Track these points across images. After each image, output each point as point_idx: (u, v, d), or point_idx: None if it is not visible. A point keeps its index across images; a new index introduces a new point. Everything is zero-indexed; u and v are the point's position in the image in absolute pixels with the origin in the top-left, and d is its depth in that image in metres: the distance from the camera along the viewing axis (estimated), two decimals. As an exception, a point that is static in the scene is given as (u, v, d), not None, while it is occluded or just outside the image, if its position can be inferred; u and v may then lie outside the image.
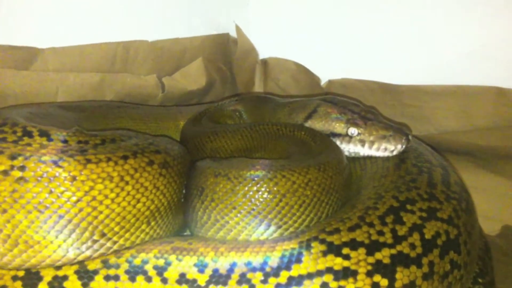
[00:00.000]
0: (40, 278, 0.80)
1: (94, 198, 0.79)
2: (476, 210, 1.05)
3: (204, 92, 1.70)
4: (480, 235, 1.15)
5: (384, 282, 0.78)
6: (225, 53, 1.84)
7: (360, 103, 1.23)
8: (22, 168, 0.77)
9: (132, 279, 0.79)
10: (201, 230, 0.95)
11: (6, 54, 1.29)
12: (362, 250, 0.81)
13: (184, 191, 0.97)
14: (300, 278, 0.77)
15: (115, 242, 0.83)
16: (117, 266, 0.81)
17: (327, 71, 1.78)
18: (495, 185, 1.45)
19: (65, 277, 0.80)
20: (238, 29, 1.83)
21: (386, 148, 1.09)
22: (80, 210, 0.78)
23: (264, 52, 1.88)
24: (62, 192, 0.77)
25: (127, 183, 0.82)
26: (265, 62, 1.85)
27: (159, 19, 1.64)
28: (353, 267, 0.78)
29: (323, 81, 1.79)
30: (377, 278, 0.78)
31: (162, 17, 1.65)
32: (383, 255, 0.81)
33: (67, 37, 1.38)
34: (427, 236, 0.86)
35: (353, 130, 1.12)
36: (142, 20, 1.58)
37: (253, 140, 1.15)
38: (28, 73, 1.31)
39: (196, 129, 1.22)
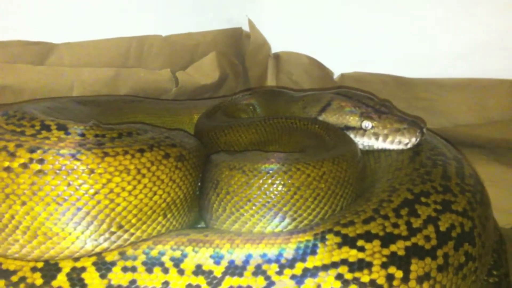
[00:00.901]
0: (58, 270, 0.81)
1: (111, 191, 0.80)
2: (491, 203, 1.05)
3: (217, 86, 1.71)
4: (495, 228, 1.15)
5: (399, 273, 0.78)
6: (238, 48, 1.84)
7: (374, 97, 1.22)
8: (41, 161, 0.78)
9: (149, 270, 0.80)
10: (216, 223, 0.96)
11: (22, 50, 1.30)
12: (377, 242, 0.81)
13: (199, 184, 0.98)
14: (315, 270, 0.78)
15: (132, 234, 0.84)
16: (135, 258, 0.82)
17: (339, 65, 1.77)
18: (509, 178, 1.44)
19: (83, 269, 0.81)
20: (250, 23, 1.83)
21: (400, 141, 1.08)
22: (98, 202, 0.80)
23: (276, 46, 1.87)
24: (80, 185, 0.78)
25: (143, 176, 0.83)
26: (277, 56, 1.85)
27: (172, 14, 1.64)
28: (368, 259, 0.79)
29: (336, 75, 1.79)
30: (392, 269, 0.78)
31: (175, 12, 1.65)
32: (398, 247, 0.81)
33: (81, 32, 1.39)
34: (442, 229, 0.86)
35: (367, 123, 1.12)
36: (155, 15, 1.59)
37: (267, 133, 1.16)
38: (44, 68, 1.32)
39: (210, 123, 1.23)
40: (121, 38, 1.47)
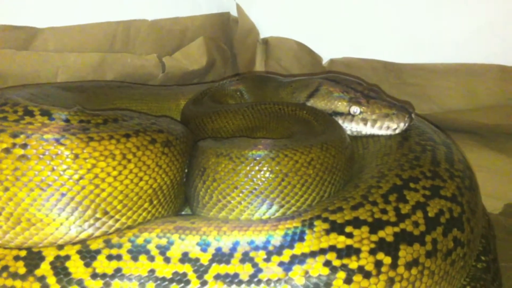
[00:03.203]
0: (42, 258, 0.80)
1: (96, 176, 0.79)
2: (480, 188, 1.05)
3: (205, 71, 1.69)
4: (483, 213, 1.15)
5: (387, 259, 0.78)
6: (226, 33, 1.83)
7: (363, 82, 1.22)
8: (24, 146, 0.76)
9: (135, 258, 0.79)
10: (203, 210, 0.95)
11: (6, 34, 1.29)
12: (365, 228, 0.81)
13: (186, 171, 0.97)
14: (303, 256, 0.77)
15: (117, 220, 0.83)
16: (120, 246, 0.81)
17: (329, 50, 1.76)
18: (498, 164, 1.44)
19: (67, 257, 0.80)
20: (239, 8, 1.81)
21: (388, 127, 1.08)
22: (83, 188, 0.78)
23: (265, 31, 1.86)
24: (64, 170, 0.77)
25: (129, 161, 0.81)
26: (266, 41, 1.83)
27: (160, -2, 1.63)
28: (356, 245, 0.79)
29: (325, 60, 1.78)
30: (380, 256, 0.78)
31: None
32: (387, 233, 0.81)
33: (66, 16, 1.37)
34: (431, 214, 0.86)
35: (355, 109, 1.11)
36: (142, -1, 1.57)
37: (255, 119, 1.14)
38: (28, 53, 1.30)
39: (197, 109, 1.22)
40: (107, 22, 1.45)
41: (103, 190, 0.80)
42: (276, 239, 0.80)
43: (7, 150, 0.76)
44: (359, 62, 1.68)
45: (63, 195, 0.78)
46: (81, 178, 0.78)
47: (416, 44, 1.61)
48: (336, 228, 0.81)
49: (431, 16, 1.58)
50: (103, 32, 1.44)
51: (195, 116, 1.18)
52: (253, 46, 1.82)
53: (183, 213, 1.03)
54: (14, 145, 0.76)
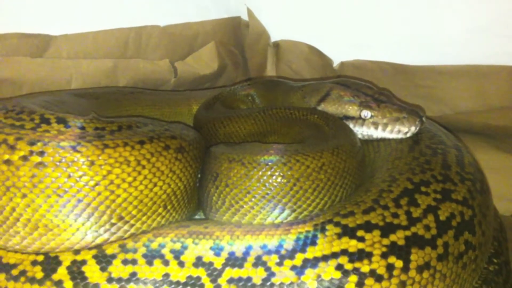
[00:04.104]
0: (59, 263, 0.81)
1: (112, 182, 0.80)
2: (491, 190, 1.05)
3: (217, 76, 1.70)
4: (495, 216, 1.15)
5: (399, 263, 0.79)
6: (237, 37, 1.83)
7: (373, 86, 1.22)
8: (41, 154, 0.78)
9: (150, 263, 0.80)
10: (215, 215, 0.96)
11: (20, 42, 1.30)
12: (376, 232, 0.81)
13: (199, 176, 0.98)
14: (315, 260, 0.78)
15: (132, 225, 0.84)
16: (135, 251, 0.82)
17: (339, 53, 1.76)
18: (510, 165, 1.44)
19: (83, 262, 0.81)
20: (249, 11, 1.82)
21: (399, 130, 1.08)
22: (98, 194, 0.80)
23: (275, 34, 1.87)
24: (80, 177, 0.79)
25: (143, 167, 0.83)
26: (277, 45, 1.84)
27: (170, 3, 1.64)
28: (368, 249, 0.79)
29: (336, 63, 1.78)
30: (392, 259, 0.79)
31: (173, 1, 1.64)
32: (398, 237, 0.81)
33: (79, 24, 1.39)
34: (442, 218, 0.86)
35: (366, 113, 1.11)
36: (153, 5, 1.58)
37: (266, 124, 1.15)
38: (42, 61, 1.32)
39: (209, 115, 1.23)
40: (119, 29, 1.46)
41: (118, 196, 0.81)
42: (289, 243, 0.80)
43: (24, 158, 0.78)
44: (369, 65, 1.68)
45: (79, 201, 0.79)
46: (96, 184, 0.79)
47: (426, 45, 1.60)
48: (348, 232, 0.81)
49: (441, 16, 1.57)
50: (115, 39, 1.46)
51: (207, 121, 1.19)
52: (264, 50, 1.83)
53: (196, 217, 1.04)
54: (31, 152, 0.78)
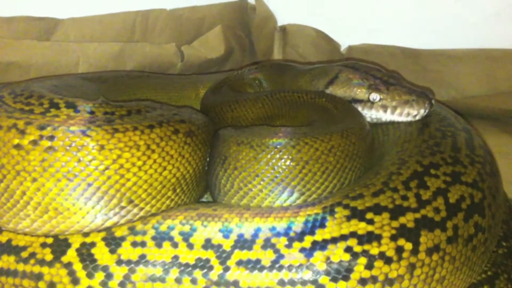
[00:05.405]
0: (68, 245, 0.82)
1: (121, 166, 0.80)
2: (500, 174, 1.04)
3: (223, 60, 1.70)
4: (505, 199, 1.15)
5: (408, 245, 0.79)
6: (244, 21, 1.83)
7: (382, 68, 1.21)
8: (51, 138, 0.78)
9: (159, 245, 0.80)
10: (224, 198, 0.96)
11: (27, 25, 1.30)
12: (386, 215, 0.81)
13: (208, 159, 0.98)
14: (324, 243, 0.78)
15: (142, 209, 0.84)
16: (144, 233, 0.82)
17: (347, 37, 1.76)
18: (519, 149, 1.44)
19: (93, 244, 0.82)
20: (256, -5, 1.81)
21: (409, 113, 1.08)
22: (108, 177, 0.80)
23: (283, 18, 1.86)
24: (90, 161, 0.79)
25: (153, 151, 0.83)
26: (284, 29, 1.83)
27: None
28: (377, 232, 0.79)
29: (343, 47, 1.77)
30: (401, 242, 0.79)
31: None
32: (407, 219, 0.81)
33: (86, 7, 1.39)
34: (452, 200, 0.86)
35: (375, 96, 1.11)
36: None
37: (274, 108, 1.15)
38: (50, 44, 1.32)
39: (216, 98, 1.22)
40: (126, 12, 1.46)
41: (128, 179, 0.81)
42: (298, 225, 0.80)
43: (34, 142, 0.78)
44: (377, 49, 1.67)
45: (89, 185, 0.79)
46: (106, 168, 0.80)
47: (436, 29, 1.59)
48: (357, 214, 0.81)
49: (451, 0, 1.56)
50: (122, 22, 1.46)
51: (215, 105, 1.19)
52: (271, 34, 1.82)
53: (204, 199, 1.05)
54: (41, 137, 0.78)
